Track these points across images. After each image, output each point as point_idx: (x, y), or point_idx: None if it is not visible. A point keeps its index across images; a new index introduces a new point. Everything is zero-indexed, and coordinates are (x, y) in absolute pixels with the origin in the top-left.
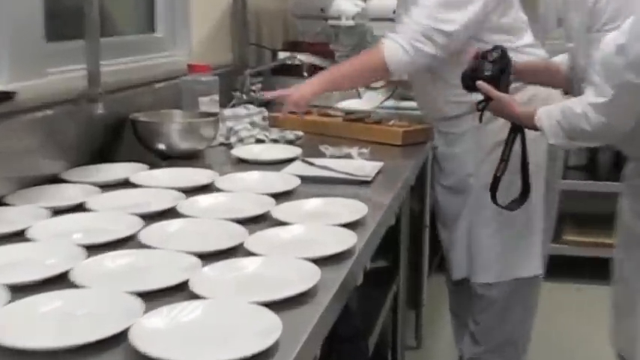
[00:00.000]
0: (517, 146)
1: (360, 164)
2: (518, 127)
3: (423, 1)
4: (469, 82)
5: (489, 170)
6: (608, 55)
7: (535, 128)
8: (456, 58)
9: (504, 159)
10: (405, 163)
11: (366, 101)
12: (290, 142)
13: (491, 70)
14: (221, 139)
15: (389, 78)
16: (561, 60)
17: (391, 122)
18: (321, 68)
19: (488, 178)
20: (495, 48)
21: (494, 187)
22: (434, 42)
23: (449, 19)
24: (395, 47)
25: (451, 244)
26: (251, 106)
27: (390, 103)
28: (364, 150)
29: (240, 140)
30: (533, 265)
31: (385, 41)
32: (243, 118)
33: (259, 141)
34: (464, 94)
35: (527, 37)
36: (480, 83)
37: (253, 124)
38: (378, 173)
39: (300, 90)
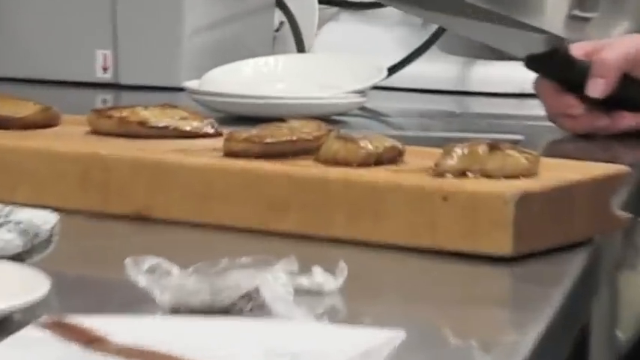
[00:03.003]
0: None
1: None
2: None
3: None
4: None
5: None
6: None
7: None
8: None
9: None
10: (503, 337)
11: (324, 71)
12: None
13: None
14: None
15: None
16: None
17: (457, 152)
18: None
19: None
20: None
21: None
22: None
23: None
24: None
25: None
26: None
27: (424, 71)
28: (329, 279)
29: None
30: None
31: None
32: None
33: None
34: None
35: None
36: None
37: None
38: None
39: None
